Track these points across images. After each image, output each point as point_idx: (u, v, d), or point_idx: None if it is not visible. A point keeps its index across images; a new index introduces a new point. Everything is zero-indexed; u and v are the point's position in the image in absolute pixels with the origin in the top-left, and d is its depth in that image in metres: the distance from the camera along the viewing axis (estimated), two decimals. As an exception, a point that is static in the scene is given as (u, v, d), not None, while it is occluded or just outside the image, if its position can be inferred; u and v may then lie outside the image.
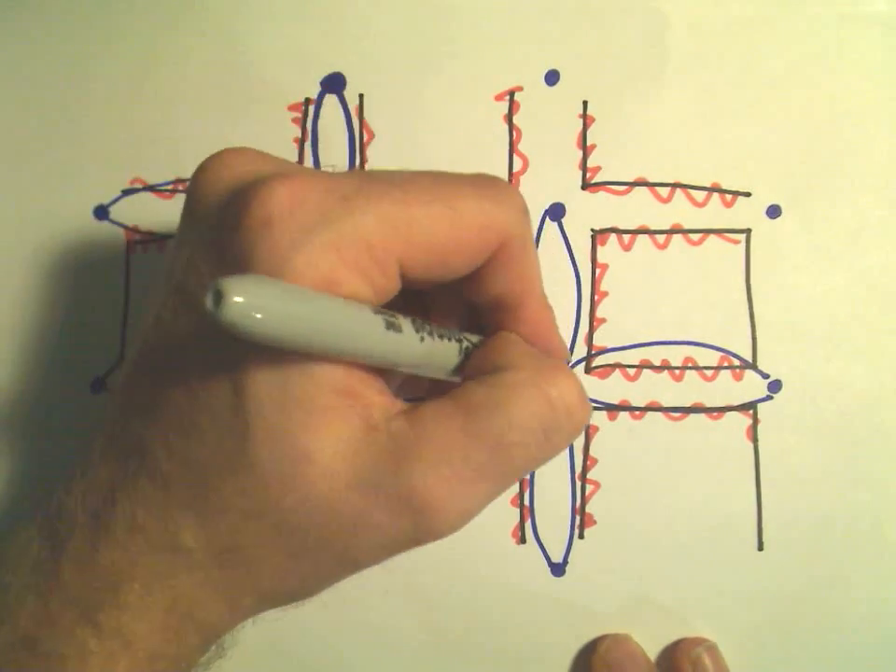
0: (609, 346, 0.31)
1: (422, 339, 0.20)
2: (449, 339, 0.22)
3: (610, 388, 0.31)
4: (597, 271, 0.31)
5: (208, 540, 0.20)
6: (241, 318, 0.15)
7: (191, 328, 0.20)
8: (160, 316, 0.21)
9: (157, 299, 0.21)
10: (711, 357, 0.30)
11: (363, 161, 0.32)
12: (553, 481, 0.30)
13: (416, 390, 0.26)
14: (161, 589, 0.20)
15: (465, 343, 0.22)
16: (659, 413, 0.30)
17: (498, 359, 0.20)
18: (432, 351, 0.21)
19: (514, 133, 0.31)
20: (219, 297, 0.15)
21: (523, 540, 0.30)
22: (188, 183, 0.21)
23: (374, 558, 0.21)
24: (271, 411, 0.19)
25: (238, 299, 0.15)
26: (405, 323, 0.20)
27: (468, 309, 0.24)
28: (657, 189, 0.31)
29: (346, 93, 0.32)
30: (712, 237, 0.31)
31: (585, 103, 0.30)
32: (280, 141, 0.32)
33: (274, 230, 0.18)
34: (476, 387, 0.19)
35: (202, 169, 0.21)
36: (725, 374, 0.30)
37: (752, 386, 0.30)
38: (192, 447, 0.19)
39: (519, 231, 0.21)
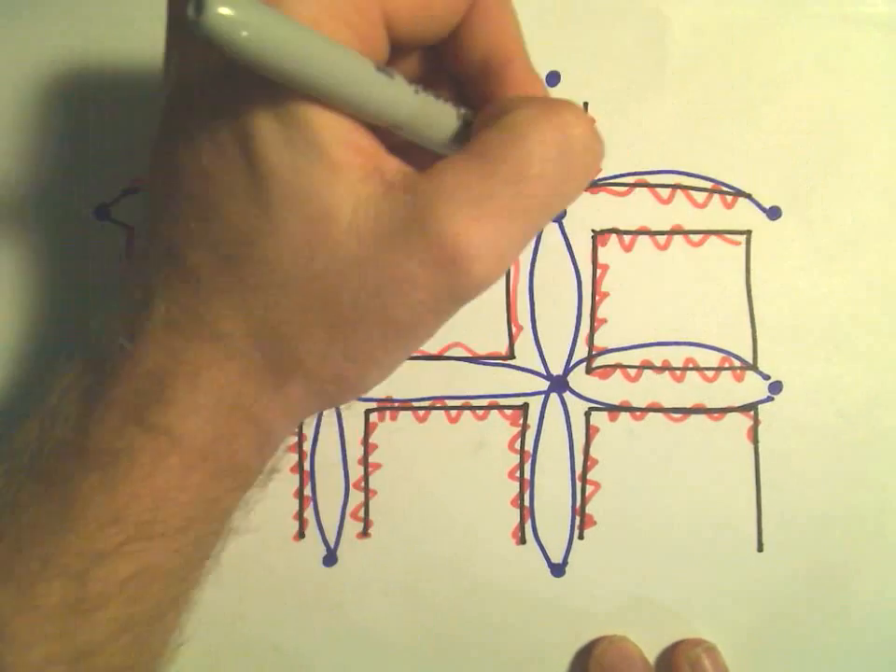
0: (610, 347, 0.31)
1: (416, 91, 0.20)
2: (445, 102, 0.21)
3: (611, 389, 0.31)
4: (598, 271, 0.31)
5: (245, 322, 0.20)
6: (215, 27, 0.15)
7: (190, 113, 0.20)
8: (163, 122, 0.21)
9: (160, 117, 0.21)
10: (712, 358, 0.30)
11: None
12: (553, 481, 0.30)
13: None
14: (205, 382, 0.20)
15: (463, 111, 0.22)
16: (660, 414, 0.30)
17: (506, 107, 0.20)
18: (428, 107, 0.20)
19: (515, 134, 0.31)
20: (201, 4, 0.15)
21: (523, 541, 0.30)
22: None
23: (418, 320, 0.20)
24: (284, 169, 0.18)
25: (218, 7, 0.15)
26: (396, 74, 0.19)
27: (456, 94, 0.24)
28: (657, 189, 0.31)
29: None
30: (713, 238, 0.31)
31: (586, 104, 0.31)
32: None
33: None
34: (488, 132, 0.19)
35: None
36: (726, 375, 0.30)
37: (753, 387, 0.30)
38: (215, 230, 0.19)
39: None
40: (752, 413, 0.30)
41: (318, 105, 0.18)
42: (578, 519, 0.30)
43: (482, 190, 0.19)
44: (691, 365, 0.30)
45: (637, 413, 0.30)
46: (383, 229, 0.19)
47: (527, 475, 0.31)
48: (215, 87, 0.19)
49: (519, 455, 0.31)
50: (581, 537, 0.30)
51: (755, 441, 0.30)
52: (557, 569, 0.30)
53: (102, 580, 0.21)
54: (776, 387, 0.30)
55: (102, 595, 0.21)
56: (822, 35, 0.30)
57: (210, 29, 0.15)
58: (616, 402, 0.31)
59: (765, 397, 0.30)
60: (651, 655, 0.30)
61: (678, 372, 0.30)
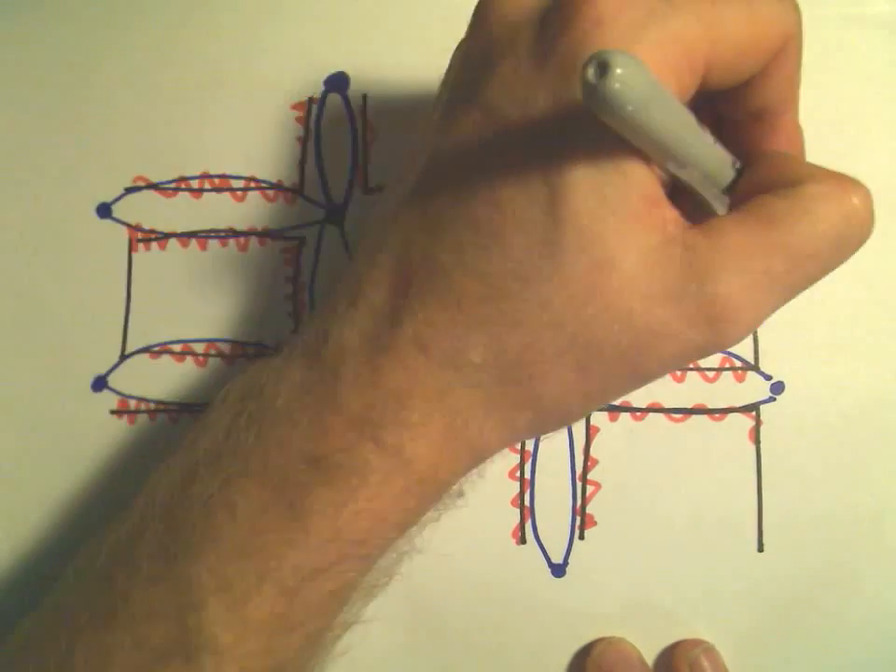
0: (611, 346, 0.31)
1: (714, 142, 0.20)
2: (727, 152, 0.21)
3: (611, 389, 0.31)
4: (599, 271, 0.31)
5: (496, 356, 0.20)
6: (620, 92, 0.15)
7: (494, 142, 0.19)
8: (454, 138, 0.20)
9: (432, 133, 0.21)
10: (713, 358, 0.30)
11: (366, 161, 0.32)
12: (553, 481, 0.30)
13: None
14: (441, 408, 0.20)
15: (733, 160, 0.22)
16: (660, 414, 0.30)
17: (791, 173, 0.20)
18: (719, 158, 0.20)
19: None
20: (605, 68, 0.14)
21: (523, 541, 0.30)
22: (471, 20, 0.22)
23: (662, 371, 0.20)
24: (586, 216, 0.18)
25: (621, 71, 0.14)
26: (704, 126, 0.19)
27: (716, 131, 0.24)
28: (659, 189, 0.31)
29: (350, 93, 0.32)
30: (714, 238, 0.31)
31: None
32: (284, 139, 0.32)
33: (606, 28, 0.18)
34: (775, 200, 0.19)
35: None
36: (727, 375, 0.30)
37: (755, 388, 0.30)
38: (492, 261, 0.19)
39: (799, 33, 0.21)
40: (754, 413, 0.30)
41: (638, 158, 0.18)
42: (578, 519, 0.30)
43: (761, 260, 0.19)
44: (691, 365, 0.30)
45: (638, 414, 0.30)
46: (658, 282, 0.19)
47: (527, 475, 0.30)
48: (535, 123, 0.19)
49: (519, 455, 0.31)
50: (581, 537, 0.30)
51: (757, 441, 0.30)
52: (558, 569, 0.30)
53: (306, 597, 0.20)
54: (777, 388, 0.30)
55: (303, 612, 0.20)
56: (822, 35, 0.30)
57: (608, 98, 0.15)
58: (616, 402, 0.31)
59: (767, 397, 0.30)
60: (651, 656, 0.30)
61: (678, 372, 0.30)
